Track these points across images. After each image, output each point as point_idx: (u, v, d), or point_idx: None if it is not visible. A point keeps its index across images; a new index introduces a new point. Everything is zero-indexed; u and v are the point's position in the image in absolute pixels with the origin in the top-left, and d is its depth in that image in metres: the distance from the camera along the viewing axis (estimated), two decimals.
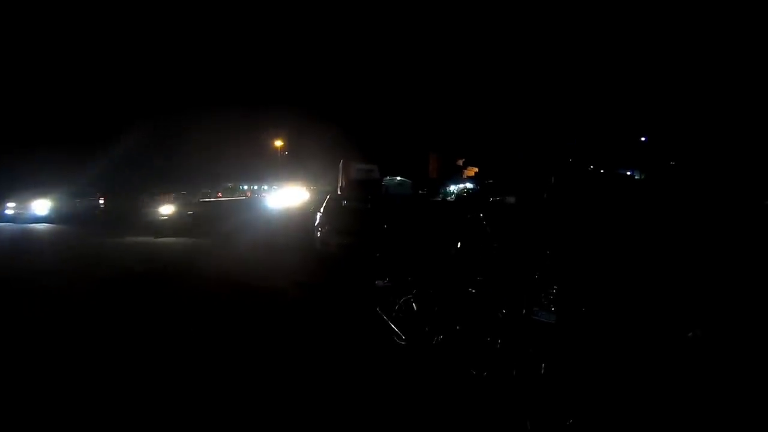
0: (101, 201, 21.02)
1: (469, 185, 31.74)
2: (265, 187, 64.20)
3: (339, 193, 13.01)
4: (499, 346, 3.21)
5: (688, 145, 25.74)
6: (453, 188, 31.30)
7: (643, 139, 32.61)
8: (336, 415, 2.92)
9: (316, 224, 8.20)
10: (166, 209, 13.91)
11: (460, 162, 39.47)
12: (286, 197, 26.63)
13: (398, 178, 18.53)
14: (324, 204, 8.56)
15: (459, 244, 3.51)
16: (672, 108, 27.90)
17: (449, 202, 20.86)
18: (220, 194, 60.25)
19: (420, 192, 20.32)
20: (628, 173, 31.43)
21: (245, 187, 71.54)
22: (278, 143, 49.41)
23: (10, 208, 16.66)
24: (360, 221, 7.26)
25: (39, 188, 17.49)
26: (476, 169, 36.63)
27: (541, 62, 33.66)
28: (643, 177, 29.08)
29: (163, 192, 23.56)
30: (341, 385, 3.31)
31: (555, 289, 2.94)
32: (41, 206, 16.82)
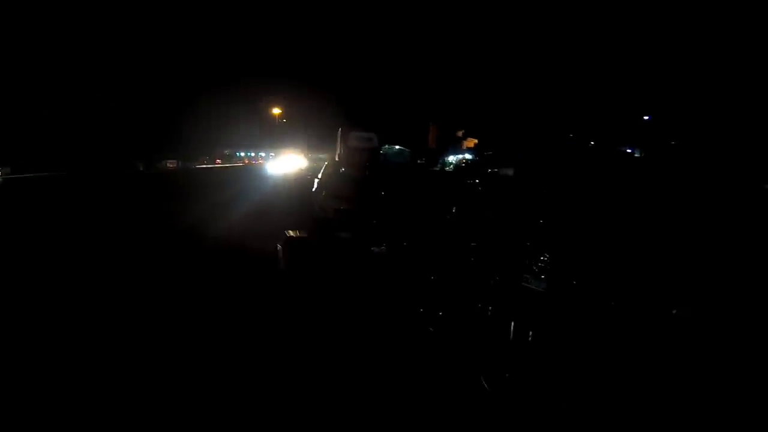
0: None
1: (468, 156, 31.55)
2: (262, 154, 63.74)
3: (337, 160, 12.94)
4: (489, 312, 3.30)
5: (691, 125, 25.50)
6: (452, 158, 31.10)
7: (646, 117, 32.28)
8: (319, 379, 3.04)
9: (313, 190, 8.20)
10: None
11: (460, 133, 39.08)
12: (284, 164, 26.53)
13: (397, 146, 18.36)
14: (322, 170, 8.52)
15: (454, 210, 3.56)
16: (677, 88, 27.46)
17: (447, 172, 20.82)
18: (218, 161, 59.84)
19: (418, 161, 20.23)
20: (629, 151, 31.26)
21: (241, 154, 70.97)
22: (276, 111, 48.72)
23: None
24: (358, 188, 7.25)
25: None
26: (476, 141, 36.34)
27: (543, 35, 32.78)
28: (642, 155, 28.95)
29: None
30: (329, 350, 3.42)
31: (546, 257, 3.01)
32: None
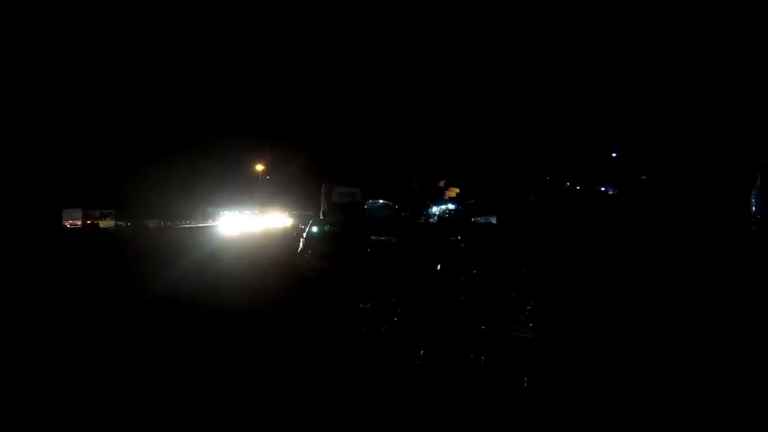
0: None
1: (451, 206, 32.09)
2: (237, 212, 63.61)
3: (322, 217, 13.09)
4: (482, 363, 3.28)
5: (657, 158, 26.72)
6: (435, 209, 31.53)
7: (614, 155, 33.71)
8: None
9: (299, 250, 8.21)
10: None
11: (442, 183, 40.01)
12: (263, 222, 25.95)
13: (381, 201, 18.59)
14: (306, 229, 8.59)
15: (439, 267, 3.62)
16: (640, 122, 29.11)
17: (432, 223, 21.06)
18: (210, 221, 59.63)
19: (402, 214, 20.45)
20: (603, 189, 32.21)
21: (224, 213, 70.55)
22: (259, 167, 49.36)
23: None
24: (343, 246, 7.31)
25: None
26: (458, 190, 37.18)
27: (516, 79, 34.86)
28: (616, 192, 29.84)
29: None
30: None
31: (532, 306, 3.06)
32: None
